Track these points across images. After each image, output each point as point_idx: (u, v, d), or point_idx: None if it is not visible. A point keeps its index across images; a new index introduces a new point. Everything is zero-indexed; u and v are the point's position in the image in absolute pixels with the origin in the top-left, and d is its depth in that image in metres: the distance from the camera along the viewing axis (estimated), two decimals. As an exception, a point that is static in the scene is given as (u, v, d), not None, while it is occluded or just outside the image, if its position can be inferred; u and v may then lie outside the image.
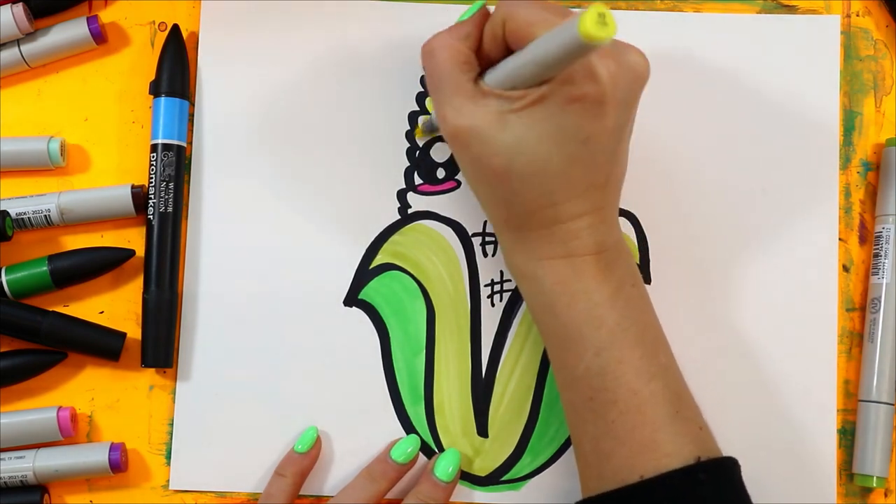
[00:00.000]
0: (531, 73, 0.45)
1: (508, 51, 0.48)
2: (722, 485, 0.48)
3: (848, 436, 0.58)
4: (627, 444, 0.48)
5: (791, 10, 0.60)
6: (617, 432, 0.48)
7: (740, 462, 0.50)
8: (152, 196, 0.57)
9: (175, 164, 0.58)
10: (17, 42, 0.59)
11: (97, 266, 0.57)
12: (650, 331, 0.50)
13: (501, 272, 0.59)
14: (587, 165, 0.47)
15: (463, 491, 0.57)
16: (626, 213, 0.59)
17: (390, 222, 0.59)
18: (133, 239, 0.59)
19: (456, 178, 0.59)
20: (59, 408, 0.57)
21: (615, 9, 0.60)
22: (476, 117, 0.47)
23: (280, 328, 0.58)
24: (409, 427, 0.58)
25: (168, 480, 0.58)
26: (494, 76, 0.48)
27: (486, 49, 0.49)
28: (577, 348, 0.49)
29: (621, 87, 0.46)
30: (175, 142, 0.58)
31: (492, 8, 0.49)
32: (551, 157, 0.46)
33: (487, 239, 0.59)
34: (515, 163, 0.47)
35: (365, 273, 0.59)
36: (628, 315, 0.49)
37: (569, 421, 0.51)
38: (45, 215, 0.57)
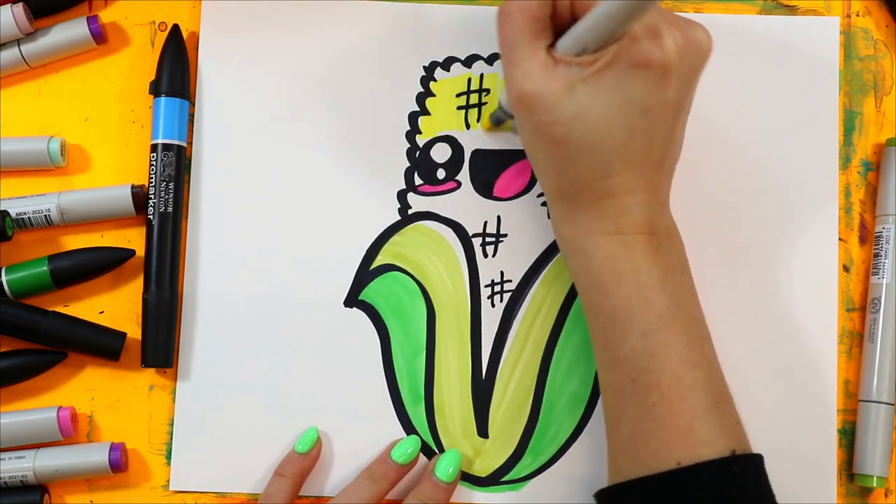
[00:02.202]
0: (601, 28, 0.45)
1: (574, 19, 0.48)
2: (753, 480, 0.48)
3: (848, 436, 0.58)
4: (666, 429, 0.48)
5: (791, 10, 0.60)
6: (656, 416, 0.48)
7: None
8: (152, 196, 0.57)
9: (175, 164, 0.58)
10: (17, 42, 0.59)
11: (97, 266, 0.57)
12: (696, 321, 0.50)
13: (502, 272, 0.59)
14: (646, 139, 0.48)
15: (463, 491, 0.57)
16: (626, 214, 0.59)
17: (391, 223, 0.59)
18: (133, 239, 0.59)
19: (456, 178, 0.59)
20: (59, 408, 0.57)
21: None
22: (544, 83, 0.47)
23: (280, 328, 0.58)
24: (409, 428, 0.58)
25: (168, 480, 0.58)
26: (564, 42, 0.48)
27: (557, 19, 0.50)
28: (624, 328, 0.49)
29: (685, 58, 0.47)
30: (175, 142, 0.58)
31: None
32: (612, 128, 0.47)
33: (488, 240, 0.59)
34: (576, 132, 0.47)
35: (365, 274, 0.59)
36: (677, 301, 0.49)
37: (606, 403, 0.51)
38: (45, 215, 0.57)
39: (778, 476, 0.56)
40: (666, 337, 0.48)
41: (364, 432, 0.58)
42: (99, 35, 0.59)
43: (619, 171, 0.48)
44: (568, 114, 0.47)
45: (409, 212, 0.59)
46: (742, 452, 0.48)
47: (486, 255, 0.59)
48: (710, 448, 0.47)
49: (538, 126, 0.48)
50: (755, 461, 0.49)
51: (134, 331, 0.58)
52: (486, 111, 0.60)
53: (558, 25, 0.49)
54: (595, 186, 0.49)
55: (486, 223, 0.59)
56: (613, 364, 0.50)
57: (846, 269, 0.59)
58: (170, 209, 0.58)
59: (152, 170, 0.58)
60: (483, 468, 0.58)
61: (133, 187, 0.58)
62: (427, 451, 0.58)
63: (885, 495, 0.58)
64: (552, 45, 0.49)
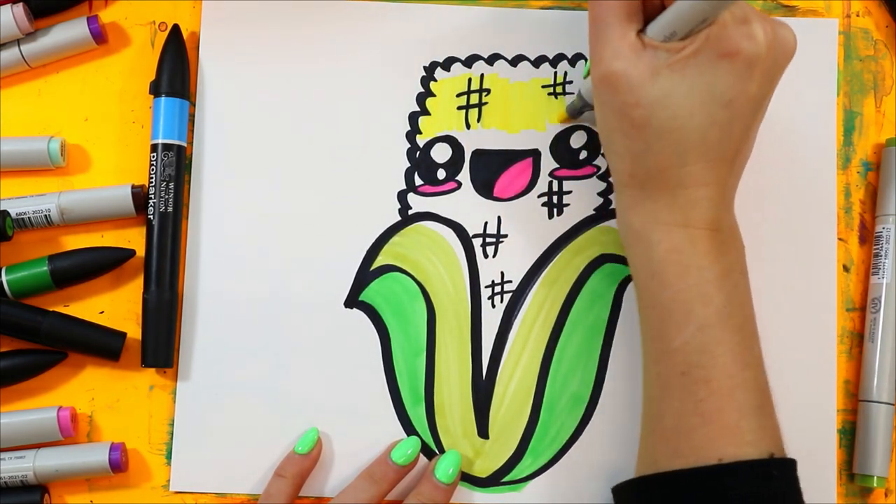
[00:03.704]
0: (693, 11, 0.45)
1: (663, 7, 0.49)
2: (788, 484, 0.48)
3: (848, 436, 0.58)
4: (712, 425, 0.48)
5: (791, 10, 0.60)
6: (703, 411, 0.48)
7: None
8: (152, 196, 0.57)
9: (175, 164, 0.58)
10: (18, 42, 0.59)
11: (97, 266, 0.57)
12: (750, 322, 0.51)
13: (502, 273, 0.59)
14: (723, 131, 0.48)
15: (463, 492, 0.57)
16: (626, 214, 0.59)
17: (391, 223, 0.59)
18: (133, 239, 0.59)
19: (456, 178, 0.59)
20: (60, 408, 0.57)
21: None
22: (631, 64, 0.47)
23: (281, 329, 0.58)
24: (409, 428, 0.58)
25: (168, 480, 0.58)
26: (654, 26, 0.48)
27: (646, 4, 0.50)
28: (680, 321, 0.49)
29: (772, 53, 0.47)
30: (175, 142, 0.58)
31: None
32: (692, 116, 0.47)
33: (488, 240, 0.59)
34: (657, 116, 0.47)
35: (365, 274, 0.59)
36: (734, 300, 0.49)
37: (649, 393, 0.51)
38: (46, 215, 0.57)
39: (778, 476, 0.56)
40: (721, 334, 0.48)
41: (364, 433, 0.58)
42: (99, 35, 0.59)
43: (693, 161, 0.48)
44: (651, 97, 0.47)
45: (410, 212, 0.59)
46: (780, 456, 0.48)
47: (486, 256, 0.59)
48: (752, 448, 0.47)
49: (621, 107, 0.48)
50: (791, 465, 0.49)
51: (134, 331, 0.58)
52: (560, 104, 0.59)
53: (648, 12, 0.50)
54: (669, 174, 0.49)
55: (486, 223, 0.59)
56: (664, 355, 0.50)
57: (846, 269, 0.59)
58: (170, 209, 0.58)
59: (152, 170, 0.58)
60: (483, 469, 0.58)
61: (133, 187, 0.58)
62: (427, 451, 0.58)
63: (885, 495, 0.58)
64: (641, 31, 0.49)
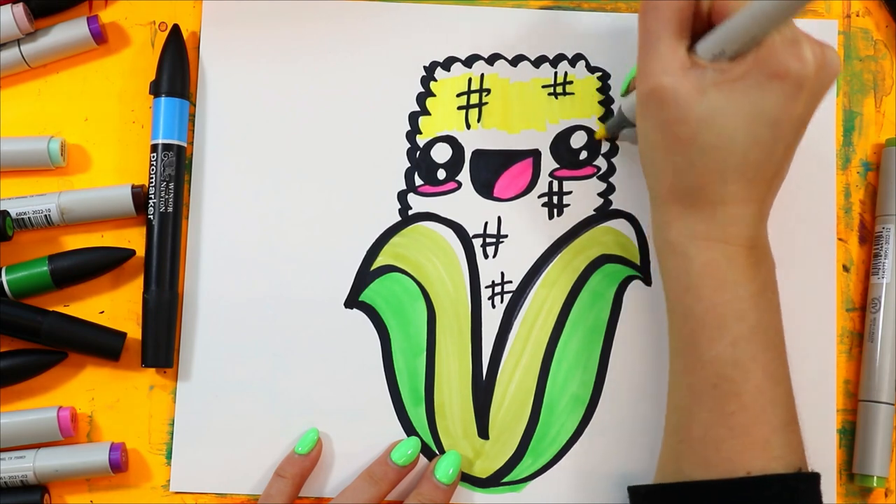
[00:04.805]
0: (743, 30, 0.46)
1: (710, 26, 0.49)
2: (814, 498, 0.49)
3: (848, 436, 0.58)
4: (742, 438, 0.48)
5: (792, 10, 0.60)
6: (734, 424, 0.48)
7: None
8: (152, 196, 0.57)
9: (175, 164, 0.58)
10: (18, 42, 0.59)
11: (97, 266, 0.57)
12: (780, 339, 0.51)
13: (502, 273, 0.59)
14: (766, 151, 0.48)
15: (464, 493, 0.57)
16: (626, 215, 0.59)
17: (391, 224, 0.59)
18: (133, 239, 0.59)
19: (457, 179, 0.59)
20: (60, 408, 0.57)
21: (615, 10, 0.60)
22: (680, 81, 0.47)
23: (281, 329, 0.58)
24: (409, 429, 0.58)
25: (168, 481, 0.58)
26: (703, 45, 0.48)
27: (695, 20, 0.50)
28: (713, 334, 0.49)
29: (820, 75, 0.47)
30: (175, 142, 0.58)
31: None
32: (737, 134, 0.47)
33: (488, 240, 0.59)
34: (702, 134, 0.48)
35: (366, 275, 0.59)
36: (767, 318, 0.50)
37: (677, 403, 0.52)
38: (46, 215, 0.57)
39: (778, 476, 0.56)
40: (754, 349, 0.49)
41: (364, 433, 0.58)
42: (99, 35, 0.59)
43: (734, 180, 0.49)
44: (698, 115, 0.47)
45: (410, 212, 0.59)
46: (806, 471, 0.49)
47: (486, 256, 0.59)
48: (780, 463, 0.48)
49: (666, 122, 0.48)
50: (816, 480, 0.49)
51: (134, 331, 0.58)
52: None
53: (696, 28, 0.50)
54: (709, 191, 0.49)
55: (486, 224, 0.59)
56: (695, 367, 0.50)
57: (846, 269, 0.59)
58: (170, 209, 0.58)
59: (152, 170, 0.58)
60: (483, 469, 0.58)
61: (133, 187, 0.58)
62: (427, 452, 0.58)
63: (885, 495, 0.58)
64: (690, 48, 0.49)
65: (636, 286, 0.59)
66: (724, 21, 0.47)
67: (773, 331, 0.50)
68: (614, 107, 0.59)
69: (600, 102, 0.60)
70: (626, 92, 0.57)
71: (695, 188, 0.49)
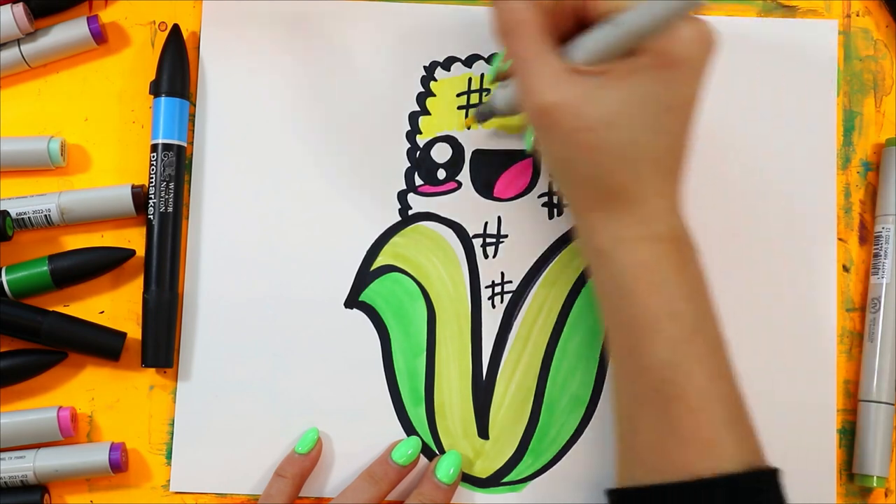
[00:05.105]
0: (628, 41, 0.45)
1: (578, 24, 0.48)
2: (772, 495, 0.48)
3: (848, 436, 0.58)
4: (687, 441, 0.47)
5: (791, 10, 0.60)
6: (678, 428, 0.47)
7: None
8: (152, 196, 0.57)
9: (175, 164, 0.58)
10: (18, 42, 0.59)
11: (97, 266, 0.57)
12: (718, 332, 0.50)
13: (502, 273, 0.59)
14: (670, 137, 0.48)
15: (464, 493, 0.57)
16: (626, 214, 0.59)
17: (391, 223, 0.59)
18: (133, 239, 0.59)
19: (457, 178, 0.59)
20: (60, 408, 0.57)
21: (616, 9, 0.60)
22: (566, 93, 0.46)
23: (281, 329, 0.58)
24: (409, 429, 0.58)
25: (168, 481, 0.58)
26: (581, 52, 0.47)
27: (556, 21, 0.49)
28: (651, 337, 0.48)
29: (701, 54, 0.47)
30: (175, 142, 0.58)
31: None
32: (640, 128, 0.47)
33: (488, 240, 0.59)
34: (605, 137, 0.47)
35: (366, 275, 0.59)
36: (703, 313, 0.49)
37: (623, 410, 0.51)
38: (46, 215, 0.57)
39: (778, 476, 0.56)
40: (692, 348, 0.48)
41: (364, 433, 0.58)
42: (99, 35, 0.59)
43: (650, 174, 0.48)
44: (594, 119, 0.46)
45: (410, 212, 0.59)
46: (761, 467, 0.48)
47: (486, 256, 0.59)
48: (729, 462, 0.47)
49: (568, 135, 0.47)
50: (772, 476, 0.49)
51: (134, 331, 0.58)
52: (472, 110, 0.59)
53: (562, 28, 0.49)
54: (628, 190, 0.48)
55: (486, 224, 0.59)
56: (636, 373, 0.49)
57: (846, 269, 0.59)
58: (170, 209, 0.58)
59: (152, 170, 0.58)
60: (484, 469, 0.58)
61: (133, 187, 0.58)
62: (427, 452, 0.58)
63: (885, 495, 0.58)
64: (564, 53, 0.48)
65: (636, 286, 0.59)
66: (602, 25, 0.46)
67: (710, 325, 0.49)
68: (491, 97, 0.57)
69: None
70: (495, 79, 0.56)
71: (613, 191, 0.48)
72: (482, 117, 0.58)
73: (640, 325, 0.48)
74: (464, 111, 0.60)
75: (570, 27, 0.49)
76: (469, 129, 0.59)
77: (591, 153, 0.47)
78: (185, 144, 0.59)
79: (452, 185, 0.59)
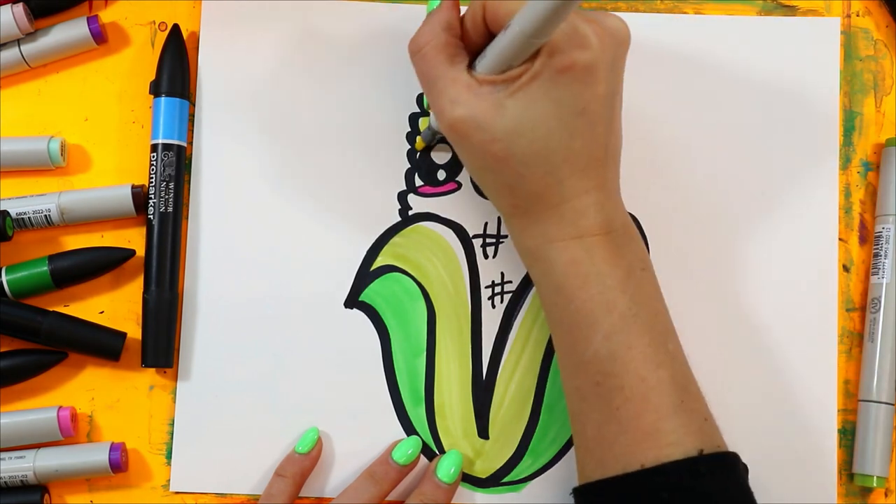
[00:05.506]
0: (521, 45, 0.45)
1: (491, 36, 0.48)
2: (723, 479, 0.48)
3: (848, 436, 0.58)
4: (631, 432, 0.47)
5: (791, 10, 0.60)
6: (621, 419, 0.48)
7: (740, 462, 0.50)
8: (152, 196, 0.57)
9: (175, 164, 0.58)
10: (18, 42, 0.59)
11: (97, 266, 0.57)
12: (660, 318, 0.50)
13: (502, 273, 0.59)
14: (586, 137, 0.48)
15: (464, 493, 0.57)
16: (626, 214, 0.59)
17: (391, 224, 0.59)
18: (133, 239, 0.59)
19: (457, 179, 0.59)
20: (60, 408, 0.57)
21: (615, 10, 0.60)
22: (473, 106, 0.47)
23: (281, 329, 0.58)
24: (409, 429, 0.58)
25: (168, 480, 0.58)
26: (484, 63, 0.48)
27: (468, 37, 0.50)
28: (587, 332, 0.49)
29: (608, 51, 0.47)
30: (175, 142, 0.58)
31: None
32: (551, 134, 0.47)
33: (488, 241, 0.59)
34: (516, 146, 0.47)
35: (366, 275, 0.59)
36: (639, 300, 0.49)
37: (572, 407, 0.51)
38: (46, 215, 0.57)
39: (778, 476, 0.57)
40: (628, 338, 0.48)
41: (365, 433, 0.58)
42: (99, 35, 0.59)
43: (568, 175, 0.48)
44: (504, 129, 0.47)
45: (410, 213, 0.59)
46: (711, 451, 0.48)
47: (486, 256, 0.59)
48: (675, 449, 0.47)
49: (478, 148, 0.48)
50: (725, 460, 0.48)
51: (134, 331, 0.58)
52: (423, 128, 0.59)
53: (471, 42, 0.50)
54: (548, 195, 0.49)
55: (486, 224, 0.59)
56: (578, 368, 0.50)
57: (846, 269, 0.59)
58: (170, 209, 0.58)
59: (152, 170, 0.58)
60: (483, 469, 0.58)
61: (133, 187, 0.58)
62: (427, 452, 0.58)
63: (885, 495, 0.58)
64: (471, 65, 0.49)
65: (636, 286, 0.59)
66: (499, 35, 0.46)
67: (649, 312, 0.49)
68: (430, 121, 0.58)
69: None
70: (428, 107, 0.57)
71: (534, 197, 0.49)
72: (428, 140, 0.58)
73: (576, 320, 0.49)
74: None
75: (484, 39, 0.49)
76: (419, 152, 0.59)
77: (504, 163, 0.48)
78: (184, 144, 0.59)
79: (452, 185, 0.59)
